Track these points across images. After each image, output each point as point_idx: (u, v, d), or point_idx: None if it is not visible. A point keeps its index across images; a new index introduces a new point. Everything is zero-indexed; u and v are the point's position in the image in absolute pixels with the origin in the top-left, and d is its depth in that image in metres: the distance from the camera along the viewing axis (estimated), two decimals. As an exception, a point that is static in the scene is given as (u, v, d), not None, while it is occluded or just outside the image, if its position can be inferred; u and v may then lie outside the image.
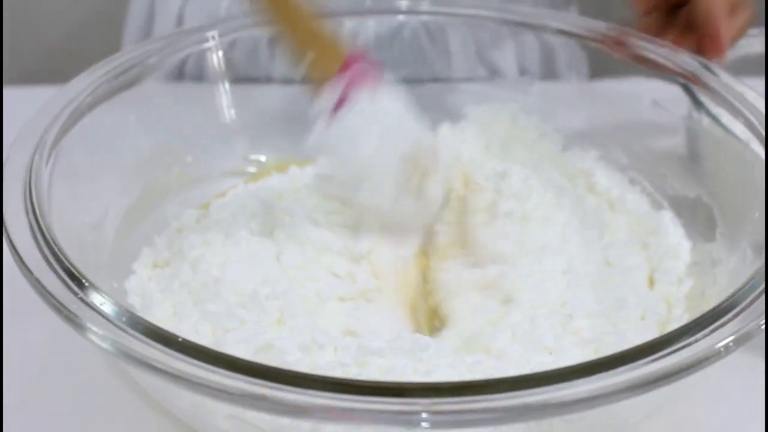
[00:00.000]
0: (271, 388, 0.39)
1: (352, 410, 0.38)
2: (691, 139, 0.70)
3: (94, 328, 0.42)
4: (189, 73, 0.74)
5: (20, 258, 0.45)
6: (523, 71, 0.88)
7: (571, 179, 0.69)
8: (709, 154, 0.68)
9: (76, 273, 0.44)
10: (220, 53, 0.70)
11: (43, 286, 0.43)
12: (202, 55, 0.70)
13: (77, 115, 0.59)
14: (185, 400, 0.46)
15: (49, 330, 0.44)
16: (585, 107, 0.75)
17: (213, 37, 0.70)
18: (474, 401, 0.38)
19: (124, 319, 0.42)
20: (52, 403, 0.56)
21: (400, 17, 0.85)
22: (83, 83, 0.61)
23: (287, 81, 0.86)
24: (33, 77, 0.85)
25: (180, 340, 0.40)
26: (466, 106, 0.77)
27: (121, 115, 0.64)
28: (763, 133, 0.58)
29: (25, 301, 0.46)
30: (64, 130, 0.57)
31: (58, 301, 0.43)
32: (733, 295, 0.45)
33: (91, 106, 0.61)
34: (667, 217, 0.64)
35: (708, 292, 0.56)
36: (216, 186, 0.69)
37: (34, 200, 0.50)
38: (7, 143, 0.55)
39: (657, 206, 0.66)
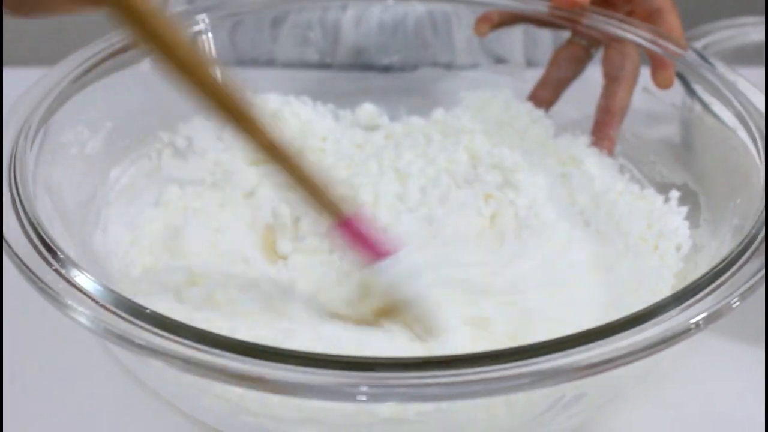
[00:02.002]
0: (245, 363, 0.39)
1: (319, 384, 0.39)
2: (685, 128, 0.70)
3: (69, 302, 0.42)
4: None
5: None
6: (530, 63, 0.88)
7: (561, 165, 0.69)
8: (699, 142, 0.68)
9: (51, 245, 0.45)
10: (210, 35, 0.71)
11: (18, 257, 0.44)
12: (193, 38, 0.70)
13: (66, 94, 0.59)
14: (159, 373, 0.47)
15: (44, 308, 0.45)
16: (578, 94, 0.75)
17: (203, 20, 0.70)
18: (440, 376, 0.39)
19: (99, 292, 0.43)
20: (42, 380, 0.57)
21: (405, 6, 0.86)
22: (73, 63, 0.61)
23: (288, 64, 0.87)
24: (35, 58, 0.85)
25: (148, 312, 0.41)
26: (460, 92, 0.77)
27: (113, 94, 0.64)
28: (750, 120, 0.58)
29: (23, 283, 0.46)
30: (53, 109, 0.58)
31: (35, 275, 0.43)
32: (706, 274, 0.45)
33: (82, 86, 0.61)
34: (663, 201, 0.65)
35: (690, 278, 0.56)
36: (210, 167, 0.70)
37: (18, 179, 0.50)
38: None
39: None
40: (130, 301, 0.42)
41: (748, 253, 0.46)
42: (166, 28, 0.45)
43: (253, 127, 0.49)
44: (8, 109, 0.56)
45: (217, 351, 0.39)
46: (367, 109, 0.75)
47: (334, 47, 0.88)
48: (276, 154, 0.50)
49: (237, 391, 0.44)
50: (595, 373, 0.39)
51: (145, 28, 0.45)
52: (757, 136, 0.57)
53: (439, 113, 0.75)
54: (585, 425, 0.54)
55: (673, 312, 0.42)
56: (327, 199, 0.51)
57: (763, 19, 0.85)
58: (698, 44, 0.78)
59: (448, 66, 0.85)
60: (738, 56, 0.80)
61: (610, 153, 0.70)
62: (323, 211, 0.52)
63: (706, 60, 0.65)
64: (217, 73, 0.48)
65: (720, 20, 0.84)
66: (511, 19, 0.76)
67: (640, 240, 0.61)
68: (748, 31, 0.84)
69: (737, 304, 0.43)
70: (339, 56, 0.88)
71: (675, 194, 0.63)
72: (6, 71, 0.82)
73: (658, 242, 0.60)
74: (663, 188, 0.65)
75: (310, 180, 0.51)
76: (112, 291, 0.42)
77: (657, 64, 0.67)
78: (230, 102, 0.48)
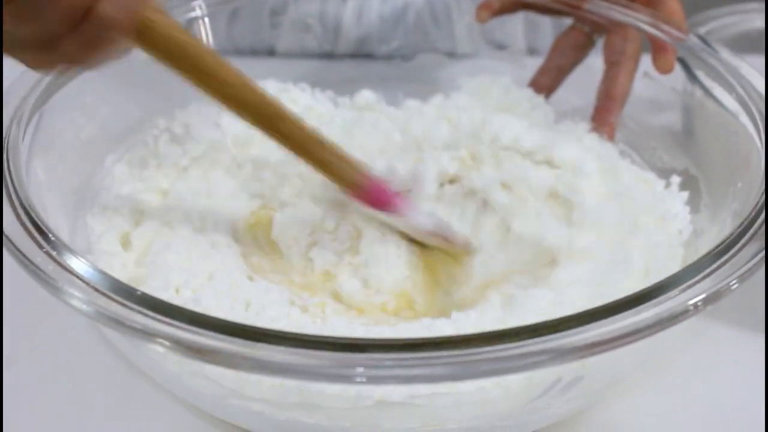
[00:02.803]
0: (239, 345, 0.39)
1: (313, 366, 0.38)
2: (686, 113, 0.70)
3: (62, 285, 0.42)
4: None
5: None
6: (531, 50, 0.87)
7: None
8: (700, 127, 0.68)
9: (44, 229, 0.45)
10: (206, 21, 0.70)
11: (11, 242, 0.44)
12: (188, 25, 0.70)
13: (61, 80, 0.59)
14: (152, 356, 0.46)
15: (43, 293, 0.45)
16: (579, 81, 0.74)
17: (199, 7, 0.70)
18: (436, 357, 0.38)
19: (92, 275, 0.42)
20: (39, 363, 0.58)
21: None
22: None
23: (287, 53, 0.86)
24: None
25: (139, 294, 0.40)
26: (460, 78, 0.77)
27: (109, 80, 0.63)
28: (752, 105, 0.58)
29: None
30: (47, 95, 0.58)
31: (28, 259, 0.43)
32: (706, 256, 0.44)
33: (77, 72, 0.60)
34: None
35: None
36: (206, 154, 0.69)
37: (11, 164, 0.50)
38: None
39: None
40: (122, 284, 0.41)
41: (747, 236, 0.46)
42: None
43: (282, 121, 0.54)
44: (1, 95, 0.56)
45: (211, 333, 0.39)
46: (366, 96, 0.75)
47: (334, 37, 0.87)
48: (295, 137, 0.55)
49: (231, 375, 0.44)
50: (594, 354, 0.39)
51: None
52: (758, 120, 0.57)
53: (437, 99, 0.75)
54: (585, 411, 0.53)
55: (671, 293, 0.42)
56: (342, 167, 0.58)
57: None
58: (701, 30, 0.77)
59: (449, 53, 0.85)
60: (741, 42, 0.79)
61: (611, 138, 0.69)
62: (339, 179, 0.58)
63: (708, 45, 0.65)
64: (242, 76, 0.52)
65: (723, 6, 0.83)
66: (512, 5, 0.75)
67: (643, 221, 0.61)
68: (752, 17, 0.83)
69: (736, 285, 0.43)
70: (339, 46, 0.88)
71: (676, 180, 0.63)
72: (6, 61, 0.81)
73: (661, 226, 0.60)
74: (664, 174, 0.65)
75: (324, 151, 0.57)
76: (104, 274, 0.42)
77: (657, 48, 0.66)
78: (257, 101, 0.53)
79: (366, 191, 0.59)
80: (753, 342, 0.59)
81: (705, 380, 0.57)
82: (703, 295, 0.42)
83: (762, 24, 0.84)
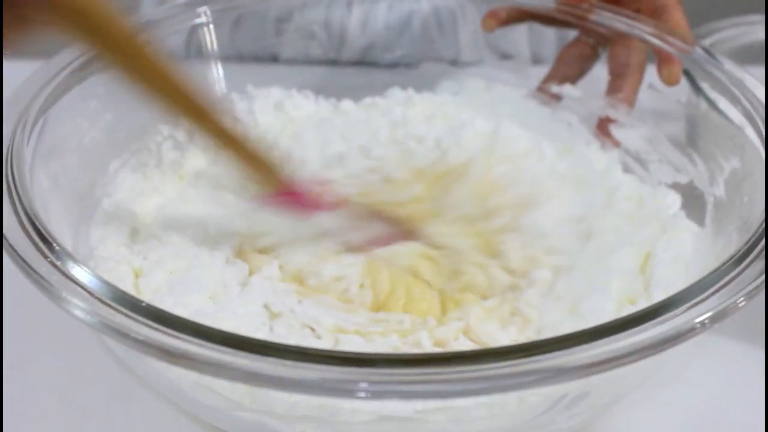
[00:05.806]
0: (243, 358, 0.39)
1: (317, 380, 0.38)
2: (691, 125, 0.70)
3: (64, 294, 0.41)
4: (185, 48, 0.74)
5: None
6: (536, 60, 0.87)
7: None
8: (705, 140, 0.68)
9: (47, 237, 0.44)
10: (211, 27, 0.70)
11: (14, 249, 0.43)
12: (193, 31, 0.70)
13: (65, 86, 0.59)
14: (155, 367, 0.46)
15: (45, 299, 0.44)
16: (583, 90, 0.74)
17: (204, 13, 0.69)
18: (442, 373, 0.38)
19: (95, 284, 0.42)
20: (41, 370, 0.57)
21: (411, 3, 0.85)
22: (73, 55, 0.60)
23: (291, 60, 0.86)
24: (36, 50, 0.85)
25: (144, 305, 0.40)
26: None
27: (113, 86, 0.63)
28: (757, 118, 0.58)
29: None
30: (52, 101, 0.57)
31: (30, 267, 0.43)
32: (712, 273, 0.44)
33: (82, 78, 0.60)
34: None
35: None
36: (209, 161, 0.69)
37: (15, 170, 0.50)
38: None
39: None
40: (125, 293, 0.41)
41: (754, 252, 0.45)
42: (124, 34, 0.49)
43: (204, 114, 0.53)
44: (6, 101, 0.55)
45: (214, 346, 0.39)
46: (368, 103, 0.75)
47: (339, 44, 0.87)
48: (222, 135, 0.54)
49: (234, 387, 0.44)
50: (599, 372, 0.39)
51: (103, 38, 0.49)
52: (764, 133, 0.56)
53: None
54: (587, 426, 0.53)
55: (678, 311, 0.41)
56: (267, 171, 0.56)
57: (768, 17, 0.84)
58: (705, 42, 0.77)
59: (453, 62, 0.85)
60: (745, 54, 0.79)
61: (616, 147, 0.69)
62: (264, 183, 0.57)
63: (712, 57, 0.65)
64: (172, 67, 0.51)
65: (727, 18, 0.83)
66: (518, 16, 0.75)
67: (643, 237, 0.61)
68: (756, 29, 0.83)
69: (743, 303, 0.42)
70: (344, 53, 0.88)
71: (680, 192, 0.63)
72: (6, 64, 0.81)
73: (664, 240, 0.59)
74: (668, 187, 0.65)
75: (252, 154, 0.55)
76: (107, 283, 0.42)
77: (663, 59, 0.66)
78: (183, 92, 0.52)
79: (290, 192, 0.57)
80: (753, 356, 0.59)
81: (703, 394, 0.57)
82: (710, 313, 0.41)
83: (765, 35, 0.84)
